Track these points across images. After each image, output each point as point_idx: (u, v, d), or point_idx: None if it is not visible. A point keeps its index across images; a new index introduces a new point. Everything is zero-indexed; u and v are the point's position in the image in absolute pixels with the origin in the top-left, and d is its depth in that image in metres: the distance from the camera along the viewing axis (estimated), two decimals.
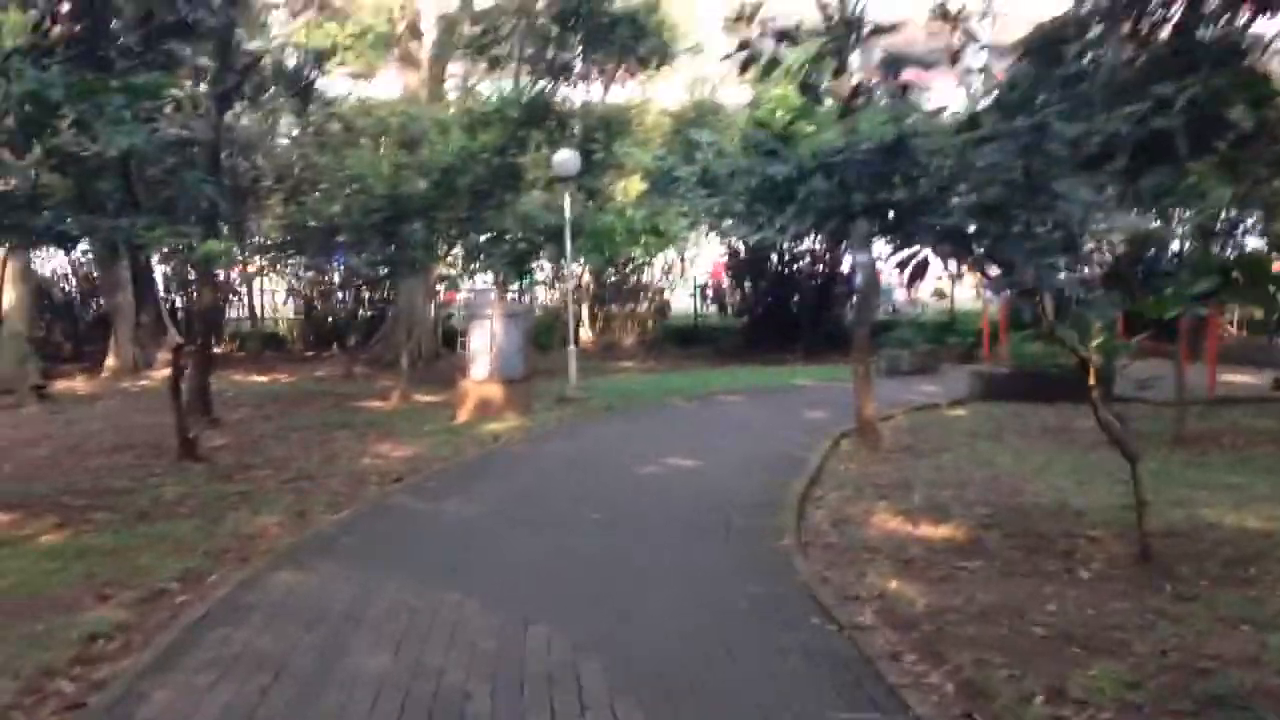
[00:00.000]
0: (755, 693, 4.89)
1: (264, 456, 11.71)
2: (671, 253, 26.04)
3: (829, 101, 23.41)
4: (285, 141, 23.81)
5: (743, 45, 6.21)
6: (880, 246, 11.98)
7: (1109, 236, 17.49)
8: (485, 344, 14.59)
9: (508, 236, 19.28)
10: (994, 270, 7.29)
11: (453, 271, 22.96)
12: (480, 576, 6.80)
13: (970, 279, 33.77)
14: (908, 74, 6.59)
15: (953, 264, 7.53)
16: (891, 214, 7.01)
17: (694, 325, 32.17)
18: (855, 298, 11.62)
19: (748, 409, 15.35)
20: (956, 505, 8.76)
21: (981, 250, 6.62)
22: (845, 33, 6.11)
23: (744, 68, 7.13)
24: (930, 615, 5.96)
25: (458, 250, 20.53)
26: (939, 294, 40.40)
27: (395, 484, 10.11)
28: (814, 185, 7.65)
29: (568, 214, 17.05)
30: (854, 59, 6.67)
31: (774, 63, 6.63)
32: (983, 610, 6.03)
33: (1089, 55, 5.48)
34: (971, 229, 6.80)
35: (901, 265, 7.33)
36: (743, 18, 6.25)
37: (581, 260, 24.54)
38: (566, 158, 16.56)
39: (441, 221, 17.43)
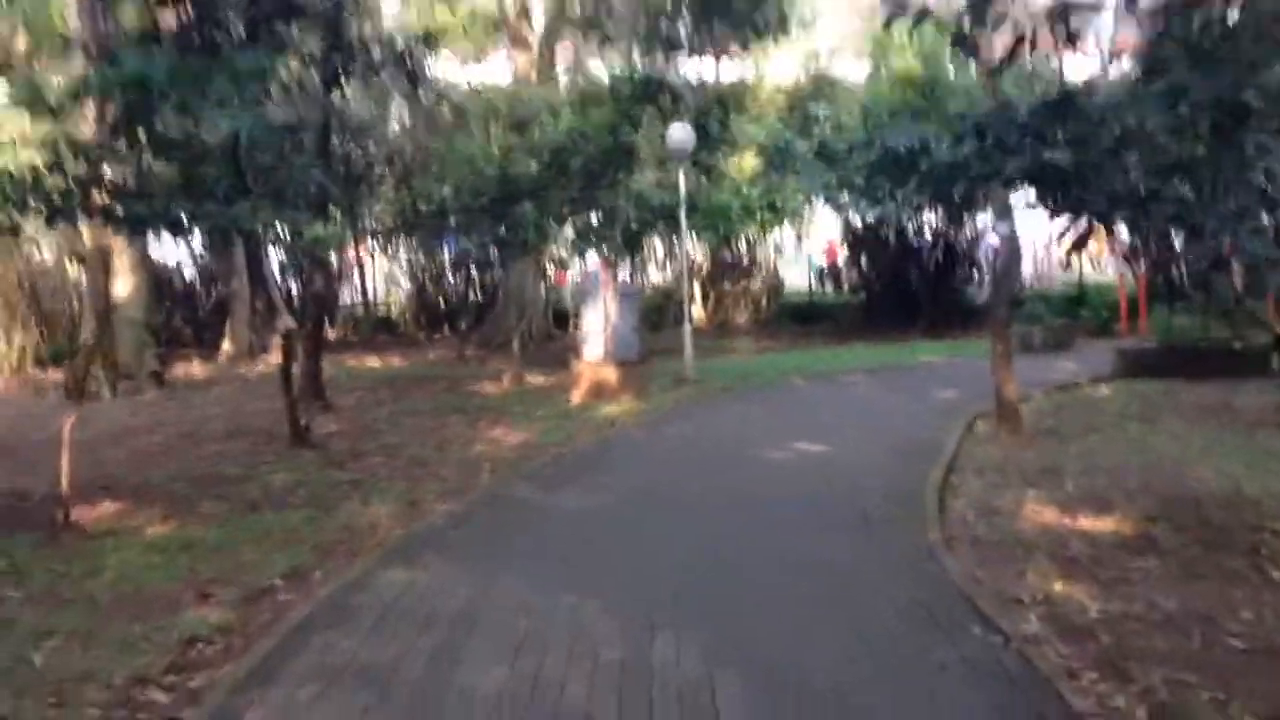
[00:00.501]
0: (914, 718, 4.31)
1: (377, 442, 11.46)
2: (787, 229, 25.16)
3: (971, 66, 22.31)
4: (396, 127, 23.75)
5: None
6: (1020, 215, 11.19)
7: None
8: (599, 325, 14.15)
9: (620, 215, 18.80)
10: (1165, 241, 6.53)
11: (563, 252, 22.66)
12: (600, 575, 6.33)
13: (1102, 250, 32.37)
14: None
15: (1122, 232, 6.75)
16: (1057, 178, 6.25)
17: (810, 302, 31.39)
18: (994, 271, 10.76)
19: (872, 389, 14.63)
20: (1116, 494, 7.99)
21: (1166, 216, 5.83)
22: None
23: (888, 21, 6.50)
24: (1106, 624, 5.28)
25: (568, 230, 20.20)
26: (1064, 265, 38.84)
27: (510, 471, 9.73)
28: (962, 150, 6.87)
29: (682, 191, 16.49)
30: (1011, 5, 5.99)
31: (924, 12, 5.99)
32: (1167, 618, 5.33)
33: None
34: (1150, 193, 6.04)
35: (1065, 235, 6.66)
36: None
37: (694, 238, 23.97)
38: (681, 134, 15.98)
39: (552, 201, 17.04)
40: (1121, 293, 20.36)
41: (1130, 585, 5.88)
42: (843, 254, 32.83)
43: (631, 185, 19.46)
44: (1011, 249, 10.84)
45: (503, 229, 18.11)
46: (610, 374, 14.07)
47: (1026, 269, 35.19)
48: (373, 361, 20.75)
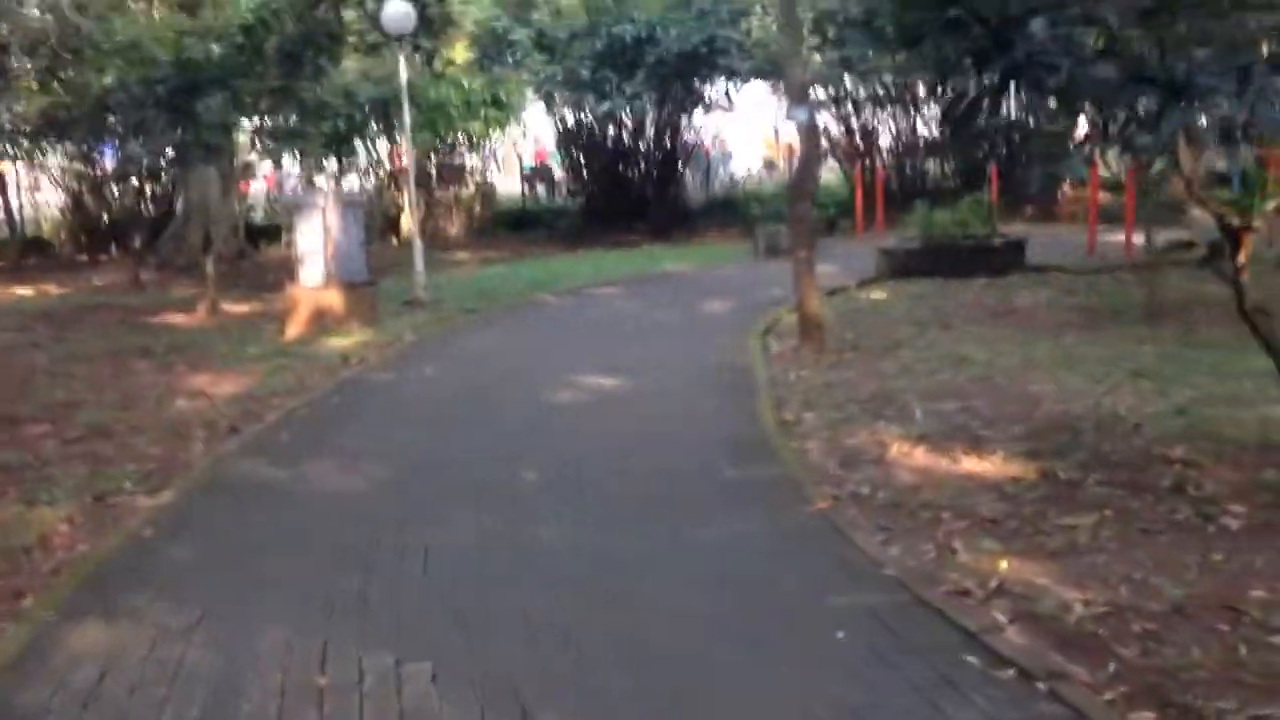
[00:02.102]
0: None
1: (37, 401, 8.82)
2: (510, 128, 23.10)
3: None
4: (36, 12, 19.68)
5: None
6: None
7: None
8: (318, 241, 11.83)
9: (325, 111, 16.25)
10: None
11: (253, 156, 19.72)
12: (393, 608, 4.47)
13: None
14: None
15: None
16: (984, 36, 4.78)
17: (523, 209, 29.66)
18: (795, 166, 9.41)
19: (633, 304, 13.13)
20: (976, 423, 6.88)
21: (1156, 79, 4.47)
22: None
23: None
24: (1103, 622, 4.01)
25: (252, 130, 17.40)
26: (769, 164, 38.92)
27: (231, 437, 7.54)
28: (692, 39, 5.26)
29: (404, 80, 14.18)
30: None
31: None
32: (1175, 606, 4.11)
33: None
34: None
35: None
36: None
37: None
38: (400, 10, 13.63)
39: (242, 94, 14.32)
40: (858, 188, 19.81)
41: (1090, 556, 4.66)
42: (558, 157, 31.28)
43: (336, 77, 16.94)
44: (811, 138, 9.51)
45: (179, 129, 15.19)
46: (334, 299, 11.83)
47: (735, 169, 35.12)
48: (24, 289, 17.23)
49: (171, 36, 14.32)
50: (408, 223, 24.58)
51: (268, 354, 10.68)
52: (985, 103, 5.22)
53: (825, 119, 29.38)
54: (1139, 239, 14.67)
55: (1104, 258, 14.55)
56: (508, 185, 30.39)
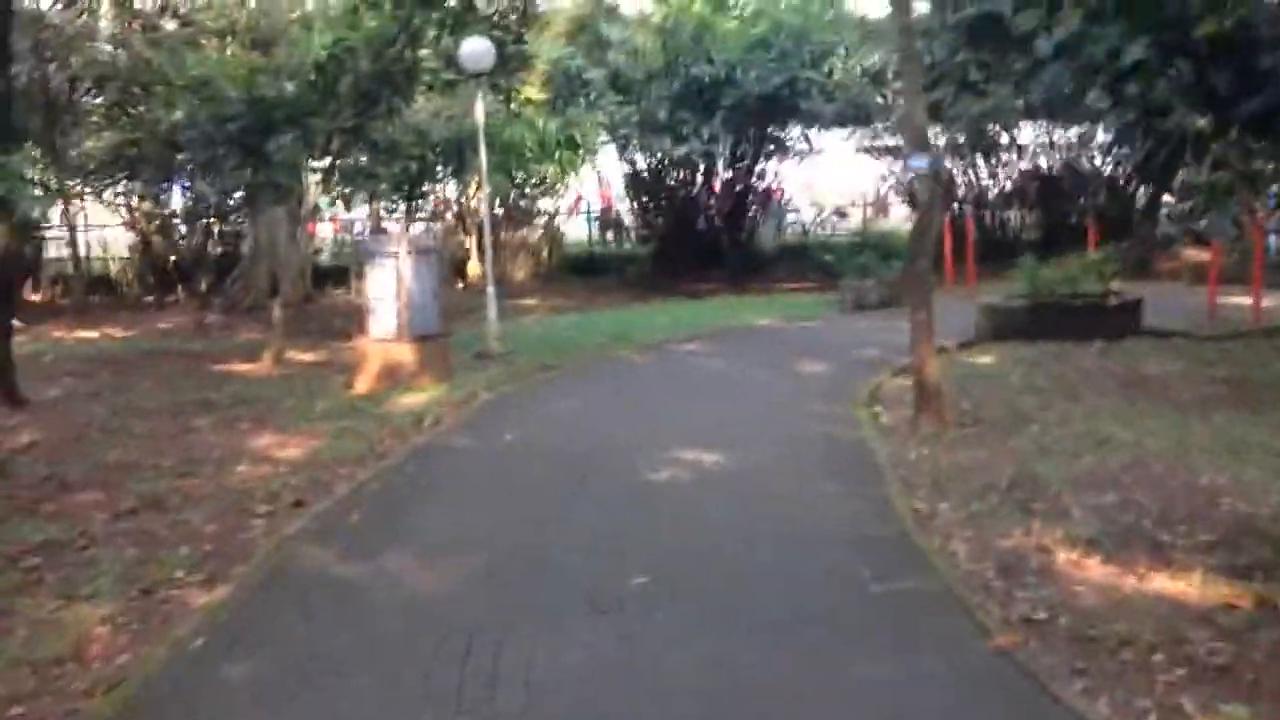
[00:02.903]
0: None
1: (90, 461, 8.15)
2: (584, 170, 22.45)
3: None
4: (107, 42, 19.43)
5: None
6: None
7: None
8: (390, 290, 11.14)
9: (399, 152, 15.69)
10: None
11: (322, 197, 19.22)
12: None
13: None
14: None
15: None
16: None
17: (590, 254, 29.09)
18: (917, 216, 8.55)
19: (721, 363, 12.27)
20: (1151, 525, 5.92)
21: None
22: None
23: None
24: None
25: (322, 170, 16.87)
26: (840, 212, 37.93)
27: (296, 510, 6.78)
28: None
29: (480, 120, 13.56)
30: None
31: None
32: None
33: None
34: None
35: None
36: None
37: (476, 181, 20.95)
38: (478, 48, 13.02)
39: (315, 132, 13.75)
40: (947, 238, 18.81)
41: None
42: (621, 199, 30.63)
43: (411, 116, 16.41)
44: (933, 189, 8.62)
45: (249, 169, 14.72)
46: (406, 353, 11.12)
47: (803, 216, 34.21)
48: (87, 332, 16.80)
49: (244, 73, 13.84)
50: (475, 267, 24.13)
51: (336, 411, 9.97)
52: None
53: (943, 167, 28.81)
54: (1269, 302, 13.66)
55: (1225, 321, 13.48)
56: (573, 229, 29.86)
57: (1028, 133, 25.50)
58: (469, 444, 8.56)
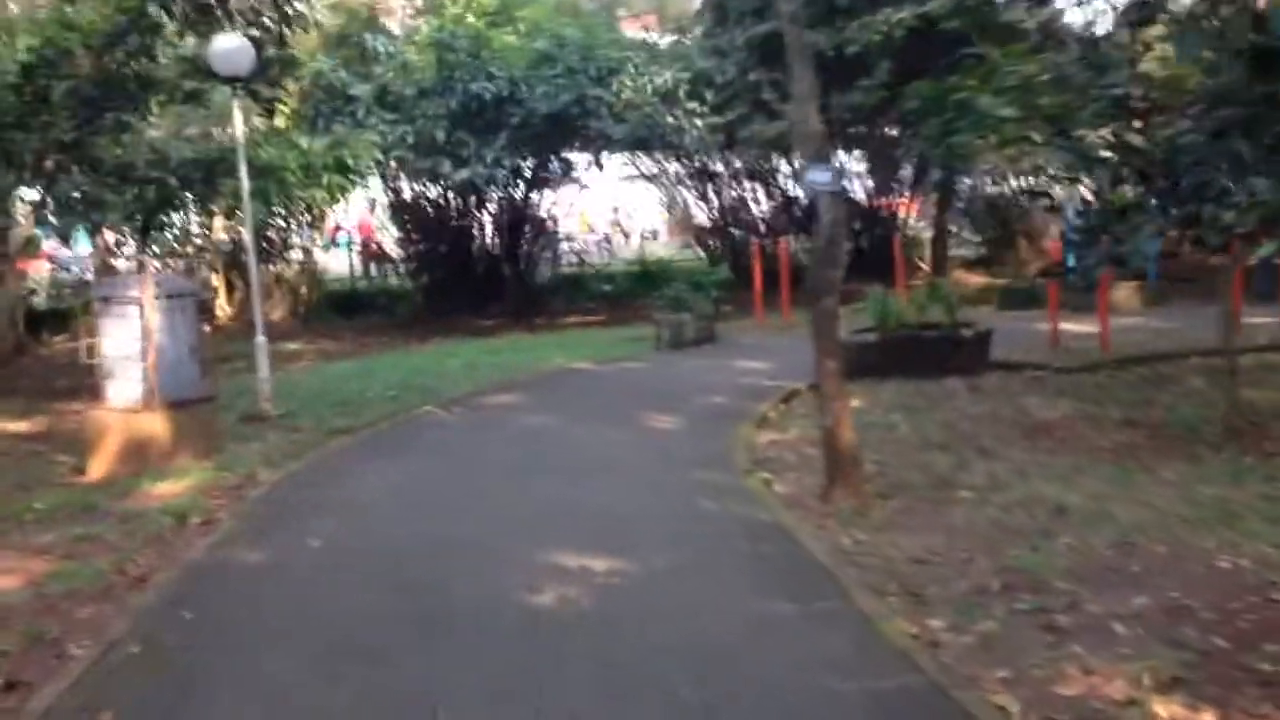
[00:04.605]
0: None
1: None
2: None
3: None
4: None
5: None
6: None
7: None
8: (133, 346, 8.68)
9: (134, 174, 13.00)
10: None
11: (36, 231, 16.12)
12: None
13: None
14: None
15: None
16: None
17: (353, 289, 26.66)
18: (821, 242, 6.97)
19: (553, 420, 10.34)
20: (1220, 639, 4.52)
21: None
22: None
23: None
24: None
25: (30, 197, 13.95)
26: (609, 239, 36.71)
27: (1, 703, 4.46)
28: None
29: (239, 133, 11.17)
30: None
31: None
32: None
33: None
34: None
35: None
36: None
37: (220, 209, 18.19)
38: (233, 46, 10.68)
39: (25, 150, 11.04)
40: (757, 266, 17.63)
41: None
42: (384, 230, 28.22)
43: (146, 131, 13.75)
44: (836, 210, 7.04)
45: None
46: (158, 425, 8.67)
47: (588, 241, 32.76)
48: None
49: None
50: (224, 308, 21.25)
51: (64, 510, 7.51)
52: None
53: (686, 194, 27.79)
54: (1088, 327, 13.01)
55: (1071, 351, 12.74)
56: (330, 263, 27.29)
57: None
58: (262, 558, 6.31)
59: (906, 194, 24.86)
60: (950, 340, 11.92)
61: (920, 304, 12.08)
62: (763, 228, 25.02)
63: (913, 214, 25.52)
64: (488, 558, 6.07)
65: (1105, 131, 8.02)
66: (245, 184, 11.16)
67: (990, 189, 26.06)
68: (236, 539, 6.71)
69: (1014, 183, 23.59)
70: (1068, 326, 13.46)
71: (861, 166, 24.40)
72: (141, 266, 16.39)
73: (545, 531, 6.52)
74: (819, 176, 7.09)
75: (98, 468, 8.63)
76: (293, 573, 6.01)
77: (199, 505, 7.51)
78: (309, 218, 20.37)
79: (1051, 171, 17.47)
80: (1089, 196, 10.17)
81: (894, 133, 22.69)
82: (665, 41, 23.84)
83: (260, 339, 11.10)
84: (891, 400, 10.26)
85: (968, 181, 25.11)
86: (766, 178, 25.29)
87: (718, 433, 9.31)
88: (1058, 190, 13.64)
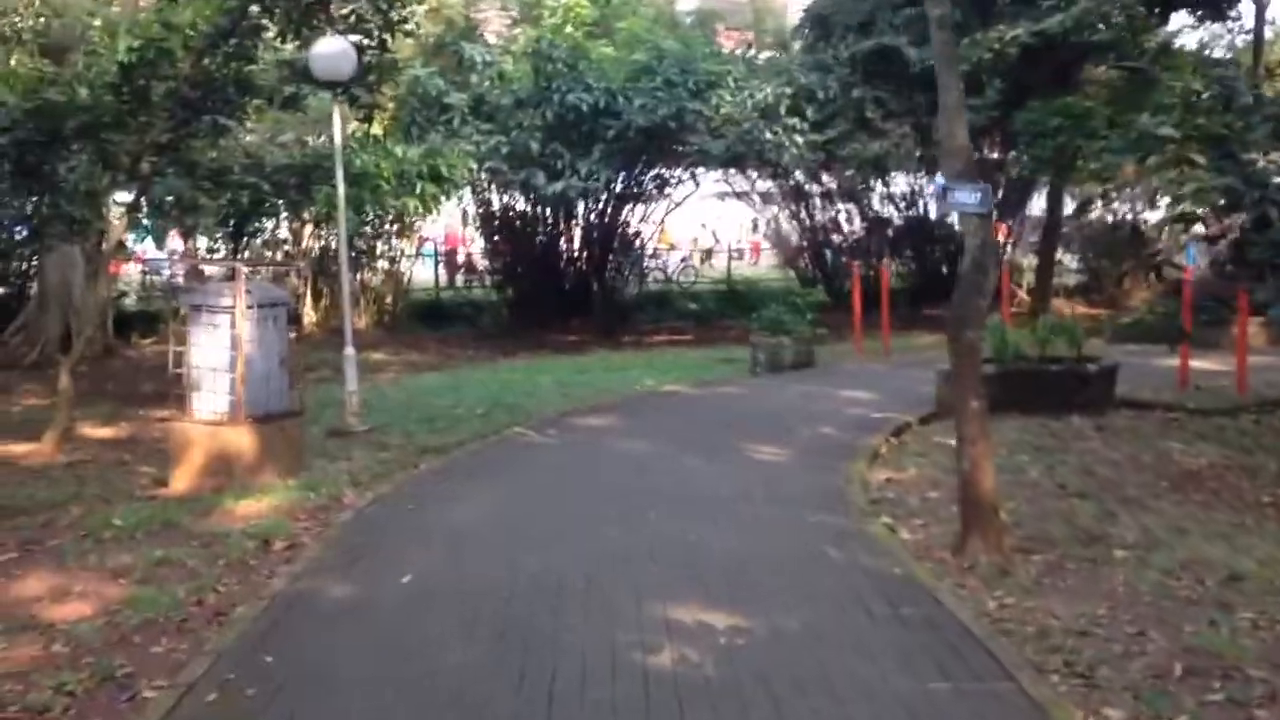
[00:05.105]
0: None
1: None
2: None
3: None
4: None
5: None
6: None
7: None
8: (222, 357, 8.32)
9: (228, 178, 12.77)
10: None
11: (127, 232, 16.02)
12: None
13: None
14: None
15: None
16: None
17: (438, 300, 26.38)
18: (964, 269, 6.33)
19: (649, 447, 9.75)
20: None
21: None
22: None
23: None
24: None
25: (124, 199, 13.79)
26: (705, 254, 36.15)
27: None
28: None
29: (338, 140, 10.84)
30: None
31: None
32: None
33: None
34: None
35: None
36: None
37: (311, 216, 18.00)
38: (336, 49, 10.36)
39: (122, 150, 10.81)
40: (856, 292, 16.94)
41: None
42: (472, 240, 27.97)
43: (242, 137, 13.53)
44: (985, 234, 6.38)
45: (32, 196, 11.70)
46: (244, 439, 8.29)
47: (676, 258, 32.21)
48: None
49: (27, 78, 10.86)
50: (310, 315, 21.08)
51: (144, 526, 7.13)
52: None
53: (776, 210, 27.16)
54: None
55: (1199, 389, 11.88)
56: (415, 272, 27.14)
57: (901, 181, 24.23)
58: (349, 593, 5.84)
59: (1008, 220, 23.96)
60: (1075, 375, 11.16)
61: (1042, 336, 11.31)
62: (853, 249, 24.31)
63: (1010, 240, 24.61)
64: (596, 604, 5.53)
65: (1277, 155, 7.26)
66: (341, 190, 10.81)
67: (1096, 215, 25.15)
68: (321, 569, 6.25)
69: (1133, 209, 22.65)
70: (1194, 364, 12.59)
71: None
72: (234, 273, 16.22)
73: (656, 575, 5.97)
74: (966, 198, 6.47)
75: (181, 481, 8.27)
76: (382, 613, 5.51)
77: (283, 528, 7.09)
78: (398, 226, 20.00)
79: (1168, 200, 16.68)
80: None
81: (994, 155, 22.00)
82: (763, 56, 23.30)
83: (349, 350, 10.74)
84: (1016, 439, 9.55)
85: (1072, 207, 24.20)
86: (860, 198, 24.59)
87: (829, 468, 8.68)
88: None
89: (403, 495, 8.06)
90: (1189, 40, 21.36)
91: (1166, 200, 18.85)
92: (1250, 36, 20.46)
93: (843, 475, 8.43)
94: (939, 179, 6.75)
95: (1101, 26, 17.62)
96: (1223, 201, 7.39)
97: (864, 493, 7.94)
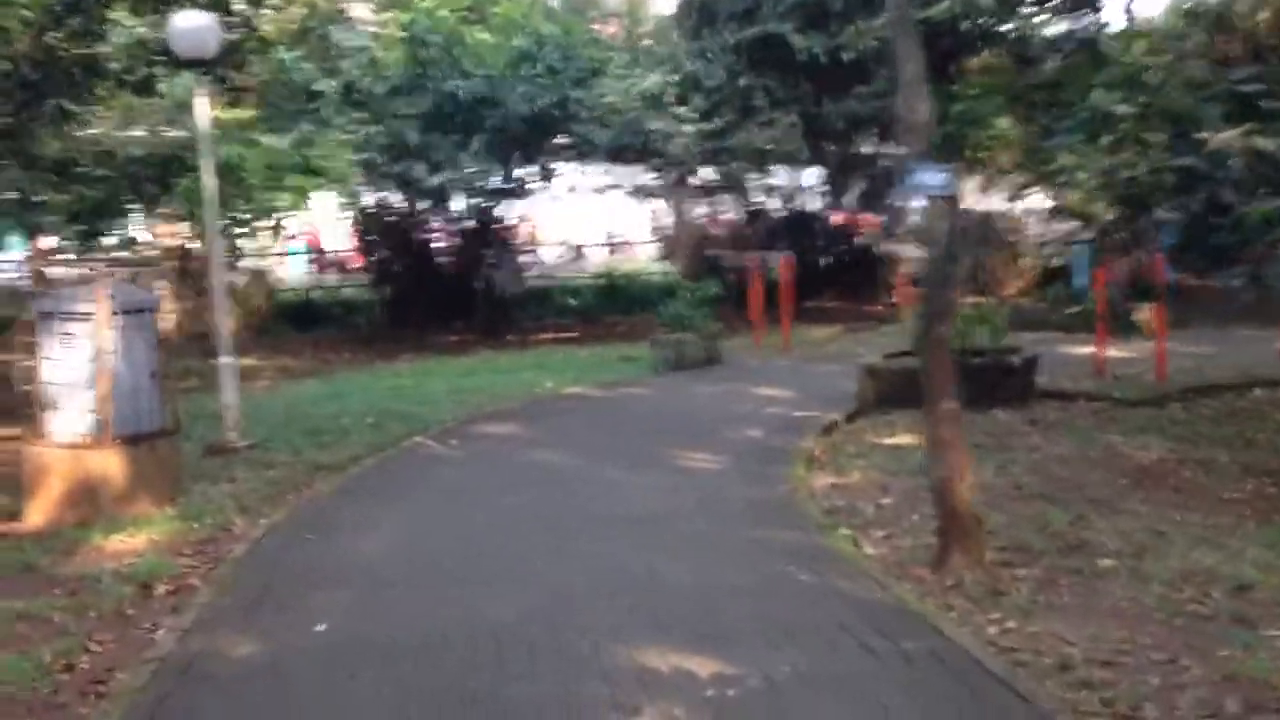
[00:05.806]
0: None
1: None
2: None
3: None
4: None
5: None
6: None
7: None
8: (82, 371, 7.23)
9: (72, 173, 11.49)
10: None
11: None
12: None
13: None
14: None
15: None
16: None
17: (307, 300, 25.00)
18: (930, 261, 5.74)
19: (569, 458, 8.92)
20: None
21: None
22: None
23: None
24: None
25: None
26: (576, 250, 35.32)
27: None
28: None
29: (204, 126, 9.72)
30: None
31: None
32: None
33: None
34: None
35: None
36: None
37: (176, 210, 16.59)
38: (199, 24, 9.27)
39: None
40: (756, 284, 16.41)
41: None
42: (337, 238, 26.73)
43: (89, 125, 12.23)
44: (952, 221, 5.84)
45: None
46: (111, 463, 7.21)
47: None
48: None
49: None
50: (173, 322, 19.57)
51: None
52: None
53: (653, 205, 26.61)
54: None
55: (1117, 378, 11.68)
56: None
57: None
58: (252, 650, 4.90)
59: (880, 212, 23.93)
60: (999, 367, 10.80)
61: (961, 327, 10.90)
62: (734, 241, 23.90)
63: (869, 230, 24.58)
64: (549, 653, 4.74)
65: (1234, 133, 6.90)
66: (210, 182, 9.72)
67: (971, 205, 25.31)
68: (216, 620, 5.30)
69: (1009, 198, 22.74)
70: (1086, 350, 12.45)
71: (814, 181, 23.69)
72: (91, 275, 14.83)
73: (608, 613, 5.21)
74: (930, 179, 5.89)
75: (37, 514, 7.15)
76: (297, 677, 4.62)
77: (165, 567, 6.10)
78: (267, 223, 18.71)
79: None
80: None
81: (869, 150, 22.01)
82: (644, 44, 22.69)
83: (226, 358, 9.69)
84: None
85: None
86: (742, 190, 24.19)
87: (766, 475, 8.05)
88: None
89: (300, 522, 7.11)
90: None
91: (1052, 193, 18.96)
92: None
93: (784, 482, 7.82)
94: (903, 163, 6.12)
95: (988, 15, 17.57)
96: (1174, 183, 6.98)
97: (812, 502, 7.33)
